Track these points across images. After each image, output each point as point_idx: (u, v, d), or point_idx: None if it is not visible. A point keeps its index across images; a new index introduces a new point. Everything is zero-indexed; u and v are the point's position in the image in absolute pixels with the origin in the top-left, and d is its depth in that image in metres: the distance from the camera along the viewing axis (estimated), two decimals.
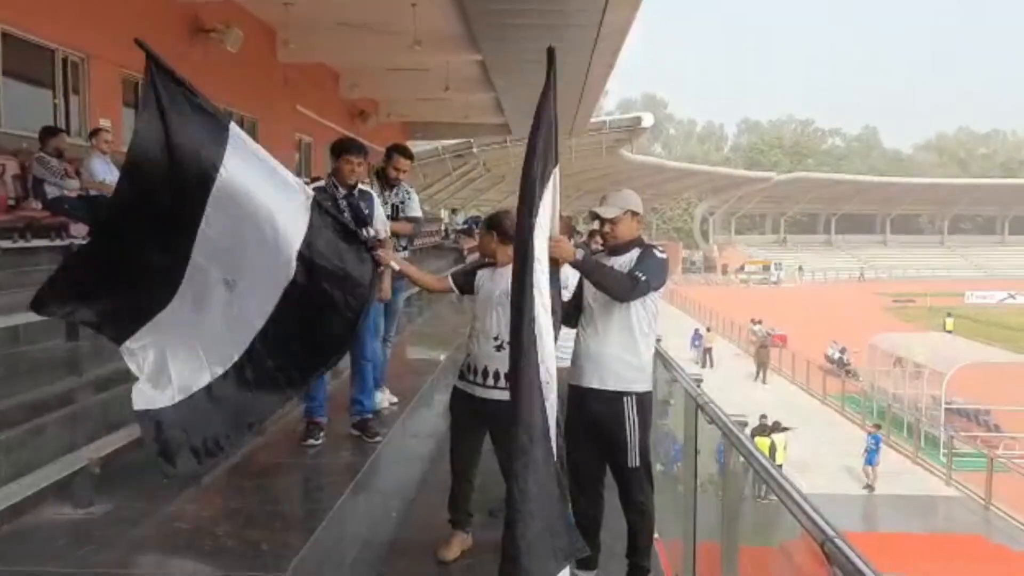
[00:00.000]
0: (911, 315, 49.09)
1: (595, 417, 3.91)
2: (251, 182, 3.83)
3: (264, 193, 3.87)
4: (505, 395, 4.15)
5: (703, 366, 33.94)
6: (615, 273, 3.84)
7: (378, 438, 5.39)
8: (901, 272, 73.73)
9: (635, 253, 3.96)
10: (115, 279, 3.90)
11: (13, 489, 3.72)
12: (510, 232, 3.93)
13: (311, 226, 3.96)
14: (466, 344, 4.40)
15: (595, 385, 3.92)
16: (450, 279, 4.45)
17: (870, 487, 20.62)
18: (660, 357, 4.84)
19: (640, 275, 3.80)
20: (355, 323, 4.12)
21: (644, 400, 3.95)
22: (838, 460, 21.96)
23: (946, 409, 24.13)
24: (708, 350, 36.03)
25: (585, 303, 3.99)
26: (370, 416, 5.49)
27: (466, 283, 4.37)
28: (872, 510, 19.65)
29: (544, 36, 15.25)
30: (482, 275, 4.33)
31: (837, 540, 2.02)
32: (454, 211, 29.79)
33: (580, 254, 3.71)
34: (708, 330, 39.23)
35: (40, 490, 3.87)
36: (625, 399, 3.89)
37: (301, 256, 3.94)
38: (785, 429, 20.46)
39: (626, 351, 3.90)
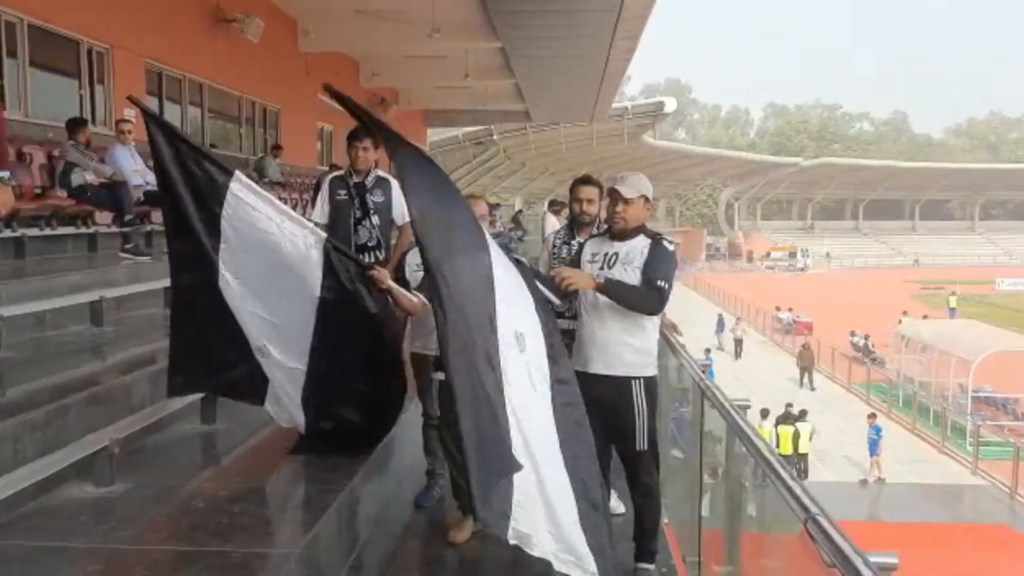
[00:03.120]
0: (940, 302, 48.51)
1: (603, 403, 3.91)
2: (255, 236, 4.04)
3: (271, 244, 4.07)
4: None
5: (735, 358, 33.26)
6: (639, 291, 3.84)
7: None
8: (931, 259, 72.82)
9: (643, 243, 3.94)
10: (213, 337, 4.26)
11: (38, 467, 3.84)
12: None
13: (327, 266, 4.14)
14: None
15: (602, 371, 3.94)
16: (424, 299, 4.33)
17: (865, 480, 20.33)
18: (667, 343, 4.87)
19: (662, 284, 3.82)
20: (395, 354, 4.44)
21: (651, 384, 4.00)
22: (861, 450, 21.84)
23: (973, 397, 23.93)
24: (739, 341, 34.88)
25: (585, 293, 3.97)
26: None
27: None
28: (896, 499, 19.54)
29: (564, 21, 15.29)
30: None
31: (820, 518, 2.06)
32: (474, 196, 29.75)
33: (601, 278, 3.81)
34: (738, 320, 37.66)
35: (63, 468, 3.99)
36: (633, 383, 3.93)
37: (323, 300, 4.16)
38: (798, 419, 20.34)
39: (633, 336, 3.91)
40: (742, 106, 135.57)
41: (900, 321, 34.17)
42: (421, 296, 4.30)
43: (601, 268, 3.91)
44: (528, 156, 43.59)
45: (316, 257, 4.11)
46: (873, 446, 20.41)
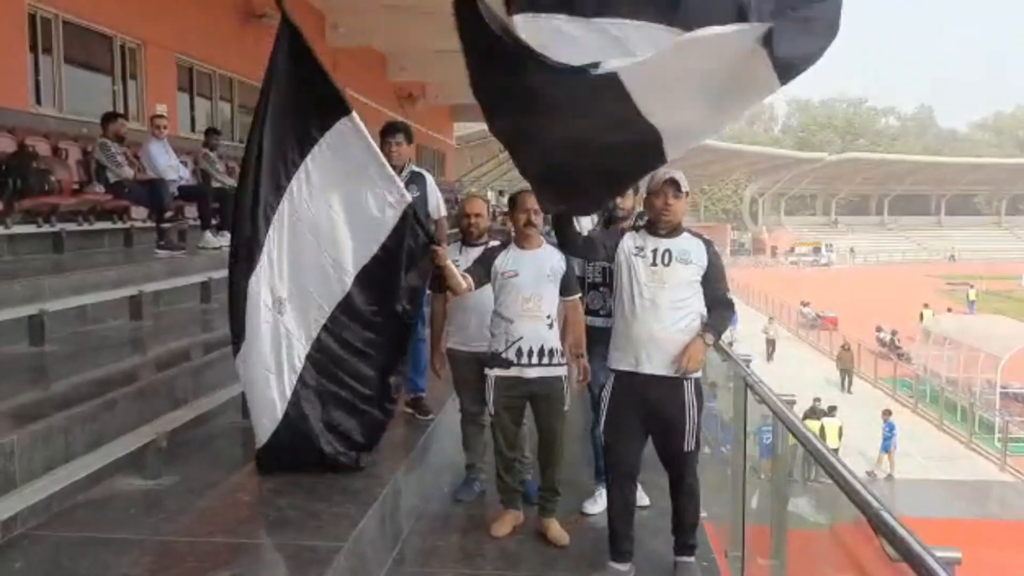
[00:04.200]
0: (964, 298, 47.98)
1: (655, 403, 3.89)
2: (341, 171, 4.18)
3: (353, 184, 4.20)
4: (552, 371, 4.29)
5: (767, 360, 31.57)
6: (724, 314, 3.96)
7: (431, 416, 5.52)
8: (957, 254, 72.08)
9: (694, 243, 3.95)
10: None
11: (89, 460, 3.90)
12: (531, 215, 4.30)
13: (398, 228, 4.22)
14: (500, 332, 4.35)
15: (659, 371, 3.86)
16: (471, 281, 4.38)
17: (872, 473, 19.94)
18: None
19: (729, 295, 3.98)
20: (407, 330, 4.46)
21: (699, 384, 3.98)
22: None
23: (1001, 393, 23.70)
24: (772, 342, 33.17)
25: (634, 287, 3.89)
26: (423, 394, 5.61)
27: (485, 275, 4.39)
28: (923, 495, 19.38)
29: None
30: (504, 260, 4.36)
31: (883, 513, 2.06)
32: (501, 192, 29.83)
33: (710, 339, 3.86)
34: (771, 319, 36.07)
35: (112, 462, 4.05)
36: (686, 384, 3.89)
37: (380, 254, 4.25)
38: (826, 415, 20.16)
39: (687, 335, 3.85)
40: (766, 101, 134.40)
41: (921, 315, 34.02)
42: (469, 279, 4.34)
43: (653, 264, 3.86)
44: None
45: (391, 217, 4.22)
46: (886, 443, 20.19)
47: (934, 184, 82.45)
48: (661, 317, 3.83)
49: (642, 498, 4.60)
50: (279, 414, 4.20)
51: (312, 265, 4.24)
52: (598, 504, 4.71)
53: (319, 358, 4.28)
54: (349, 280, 4.26)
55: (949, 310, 36.63)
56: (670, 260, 3.86)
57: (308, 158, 4.16)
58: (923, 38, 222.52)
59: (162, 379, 5.17)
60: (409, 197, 4.31)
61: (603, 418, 4.02)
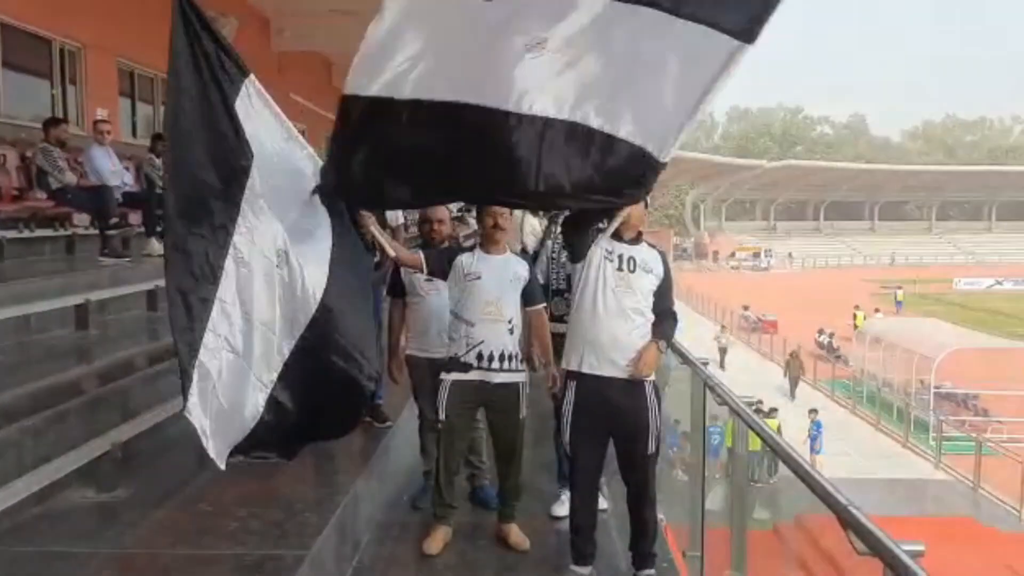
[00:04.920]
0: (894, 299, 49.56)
1: (617, 405, 3.93)
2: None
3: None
4: (513, 376, 4.28)
5: (720, 367, 30.86)
6: (671, 324, 4.06)
7: (388, 423, 5.51)
8: (889, 259, 74.21)
9: (653, 254, 4.04)
10: None
11: (40, 474, 3.81)
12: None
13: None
14: (461, 336, 4.31)
15: (619, 374, 3.91)
16: (421, 256, 4.36)
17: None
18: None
19: (674, 309, 4.10)
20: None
21: (656, 386, 4.05)
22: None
23: (935, 393, 24.40)
24: (724, 350, 32.14)
25: (601, 290, 3.92)
26: (380, 402, 5.59)
27: (439, 267, 4.34)
28: (864, 494, 19.86)
29: None
30: (468, 261, 4.32)
31: (851, 509, 2.14)
32: None
33: (663, 345, 3.98)
34: (723, 328, 34.98)
35: (65, 475, 3.96)
36: (647, 385, 3.96)
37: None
38: (767, 415, 20.50)
39: (643, 341, 3.92)
40: (706, 109, 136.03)
41: (854, 315, 35.10)
42: (420, 255, 4.33)
43: (619, 269, 3.91)
44: None
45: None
46: (812, 443, 20.38)
47: (868, 191, 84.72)
48: (624, 321, 3.89)
49: (601, 501, 4.64)
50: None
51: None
52: (565, 507, 4.74)
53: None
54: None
55: (877, 311, 37.66)
56: (635, 267, 3.93)
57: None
58: (855, 49, 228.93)
59: (113, 390, 5.06)
60: (317, 158, 3.82)
61: (566, 424, 4.03)
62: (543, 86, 3.10)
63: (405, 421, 5.60)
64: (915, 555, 1.98)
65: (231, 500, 4.08)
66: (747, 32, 2.92)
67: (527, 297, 4.41)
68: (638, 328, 3.91)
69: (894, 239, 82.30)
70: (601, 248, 3.95)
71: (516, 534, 4.45)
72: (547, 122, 3.10)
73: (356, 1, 15.03)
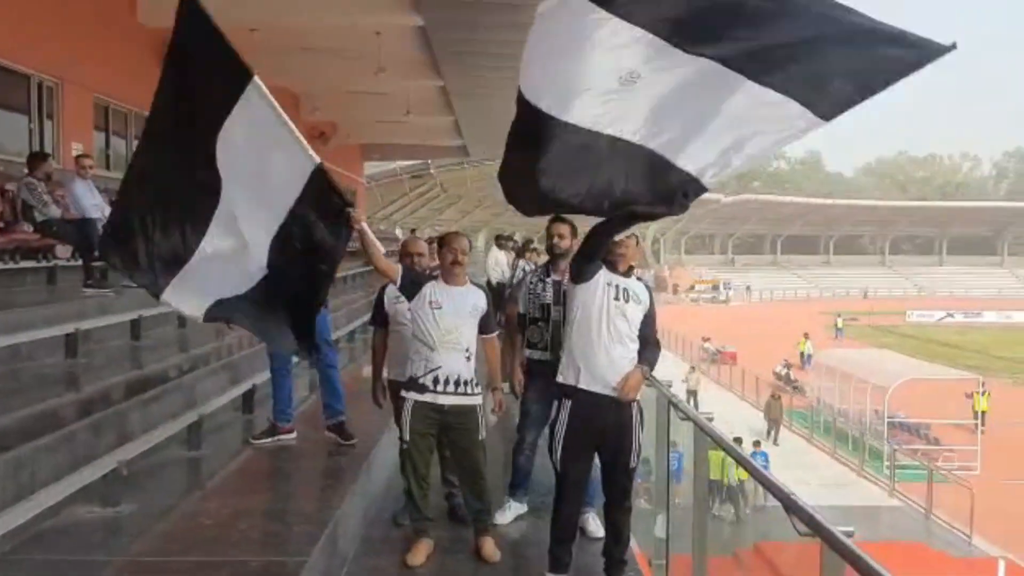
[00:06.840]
0: (855, 333, 50.74)
1: (608, 422, 4.28)
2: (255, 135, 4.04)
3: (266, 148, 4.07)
4: (466, 400, 4.59)
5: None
6: (656, 353, 4.44)
7: (353, 440, 5.78)
8: (844, 292, 75.92)
9: (640, 286, 4.42)
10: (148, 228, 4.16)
11: (56, 489, 4.06)
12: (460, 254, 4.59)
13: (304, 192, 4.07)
14: (420, 360, 4.56)
15: (609, 393, 4.24)
16: (399, 269, 4.65)
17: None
18: None
19: (657, 337, 4.46)
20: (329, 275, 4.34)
21: (641, 406, 4.43)
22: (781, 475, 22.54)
23: (888, 423, 25.10)
24: (693, 392, 29.39)
25: (603, 315, 4.25)
26: (343, 419, 5.86)
27: (411, 288, 4.61)
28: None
29: (506, 64, 15.87)
30: (432, 290, 4.59)
31: (792, 496, 2.54)
32: (413, 231, 30.11)
33: (647, 371, 4.34)
34: (692, 369, 33.13)
35: (74, 492, 4.22)
36: (633, 406, 4.34)
37: (292, 214, 4.10)
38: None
39: (632, 363, 4.30)
40: None
41: (802, 342, 37.75)
42: (397, 267, 4.65)
43: (616, 298, 4.28)
44: (465, 190, 44.11)
45: (299, 178, 4.06)
46: None
47: (823, 225, 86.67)
48: (620, 346, 4.26)
49: (597, 530, 4.88)
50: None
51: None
52: (507, 515, 5.17)
53: None
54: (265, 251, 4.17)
55: (805, 335, 39.41)
56: (628, 298, 4.31)
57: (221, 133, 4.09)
58: None
59: (107, 414, 5.30)
60: (317, 158, 4.09)
61: (559, 441, 4.33)
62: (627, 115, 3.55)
63: (386, 440, 5.90)
64: (848, 534, 2.36)
65: (229, 515, 4.37)
66: (827, 113, 3.41)
67: (482, 326, 4.70)
68: (630, 353, 4.29)
69: (849, 272, 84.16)
70: (603, 278, 4.29)
71: (490, 546, 4.69)
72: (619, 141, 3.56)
73: (326, 39, 15.61)
